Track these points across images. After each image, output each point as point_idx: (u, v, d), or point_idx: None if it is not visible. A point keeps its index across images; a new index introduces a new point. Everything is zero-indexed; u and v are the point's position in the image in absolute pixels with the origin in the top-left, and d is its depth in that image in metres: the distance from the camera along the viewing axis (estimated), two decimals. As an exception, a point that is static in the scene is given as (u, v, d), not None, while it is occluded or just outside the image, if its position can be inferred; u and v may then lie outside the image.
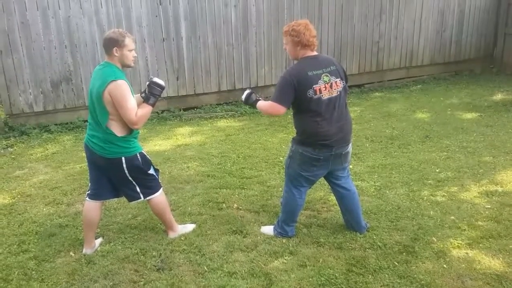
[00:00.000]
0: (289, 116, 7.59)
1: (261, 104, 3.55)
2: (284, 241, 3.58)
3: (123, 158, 3.29)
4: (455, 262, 3.24)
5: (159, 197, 3.54)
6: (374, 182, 4.70)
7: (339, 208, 4.03)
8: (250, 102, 3.64)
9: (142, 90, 3.41)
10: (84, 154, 5.83)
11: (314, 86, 3.24)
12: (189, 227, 3.83)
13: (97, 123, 3.28)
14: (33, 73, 6.97)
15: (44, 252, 3.58)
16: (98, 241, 3.68)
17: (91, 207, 3.51)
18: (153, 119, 7.57)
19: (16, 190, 4.86)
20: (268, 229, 3.76)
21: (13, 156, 6.02)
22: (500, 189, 4.43)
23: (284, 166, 3.73)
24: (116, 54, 3.21)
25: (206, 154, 5.78)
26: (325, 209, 4.13)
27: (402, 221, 3.85)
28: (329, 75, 3.31)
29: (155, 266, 3.30)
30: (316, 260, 3.31)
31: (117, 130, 3.25)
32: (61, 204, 4.47)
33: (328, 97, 3.29)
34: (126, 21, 7.31)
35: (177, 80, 7.89)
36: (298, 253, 3.41)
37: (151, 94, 3.32)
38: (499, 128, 6.43)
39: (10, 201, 4.61)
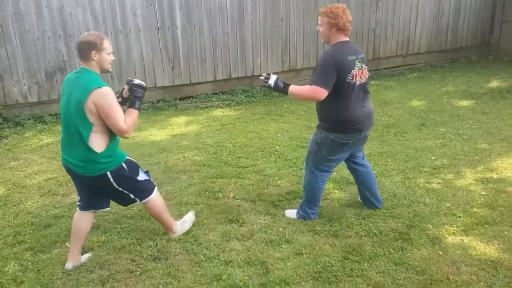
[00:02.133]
0: (285, 105, 7.66)
1: (298, 89, 3.36)
2: (280, 229, 3.59)
3: (108, 173, 3.02)
4: (450, 249, 3.25)
5: (154, 198, 3.31)
6: (370, 170, 4.71)
7: (335, 197, 4.06)
8: (279, 89, 3.39)
9: (118, 95, 3.19)
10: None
11: (352, 71, 3.28)
12: (188, 220, 3.67)
13: (74, 138, 2.95)
14: (27, 64, 6.90)
15: (40, 243, 3.57)
16: (86, 256, 3.34)
17: (82, 217, 3.26)
18: (148, 109, 7.54)
19: (11, 181, 4.84)
20: (291, 213, 3.81)
21: (7, 147, 5.99)
22: (495, 176, 4.44)
23: (307, 152, 3.67)
24: (95, 58, 2.93)
25: (202, 144, 5.77)
26: (321, 197, 4.12)
27: (397, 208, 3.86)
28: (361, 62, 3.36)
29: (152, 256, 3.30)
30: (312, 248, 3.32)
31: (98, 144, 2.96)
32: (56, 195, 4.46)
33: (359, 83, 3.35)
34: (120, 10, 7.24)
35: (172, 69, 7.84)
36: (294, 241, 3.42)
37: (135, 98, 3.12)
38: (495, 115, 6.43)
39: (5, 192, 4.59)
